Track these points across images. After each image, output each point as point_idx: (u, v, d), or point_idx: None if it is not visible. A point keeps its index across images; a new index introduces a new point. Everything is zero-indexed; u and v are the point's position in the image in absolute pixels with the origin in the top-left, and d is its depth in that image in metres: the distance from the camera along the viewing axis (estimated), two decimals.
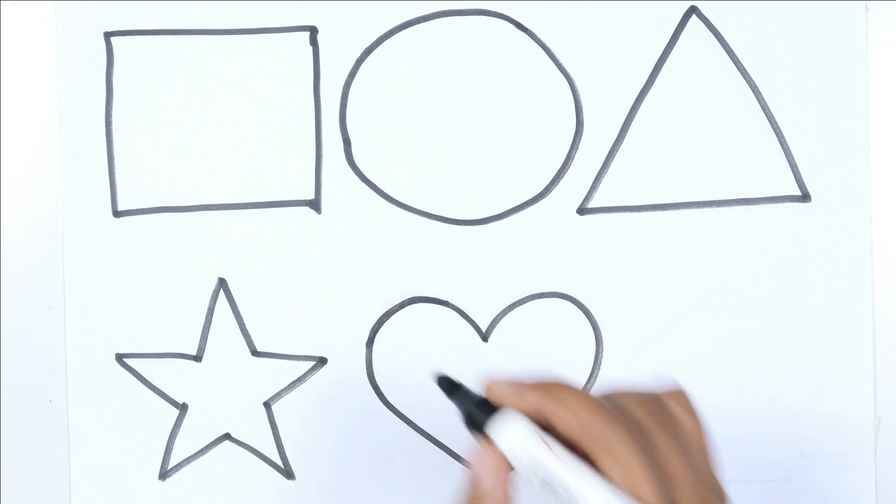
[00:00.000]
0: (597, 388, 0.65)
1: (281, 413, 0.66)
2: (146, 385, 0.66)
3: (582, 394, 0.46)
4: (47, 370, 0.66)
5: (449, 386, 0.48)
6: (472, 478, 0.46)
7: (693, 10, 0.64)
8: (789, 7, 0.63)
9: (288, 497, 0.66)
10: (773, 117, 0.64)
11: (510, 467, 0.45)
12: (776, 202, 0.64)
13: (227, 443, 0.66)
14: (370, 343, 0.65)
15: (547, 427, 0.45)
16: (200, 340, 0.66)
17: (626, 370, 0.64)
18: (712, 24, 0.64)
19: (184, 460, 0.66)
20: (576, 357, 0.65)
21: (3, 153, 0.66)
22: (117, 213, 0.66)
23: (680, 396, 0.49)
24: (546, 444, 0.44)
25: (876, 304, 0.64)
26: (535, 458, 0.44)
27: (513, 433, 0.45)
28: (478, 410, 0.46)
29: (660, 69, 0.64)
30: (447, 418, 0.65)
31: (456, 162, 0.65)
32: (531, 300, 0.65)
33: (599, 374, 0.64)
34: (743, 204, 0.64)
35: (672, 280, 0.64)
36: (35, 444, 0.66)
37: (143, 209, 0.66)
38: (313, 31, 0.65)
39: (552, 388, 0.46)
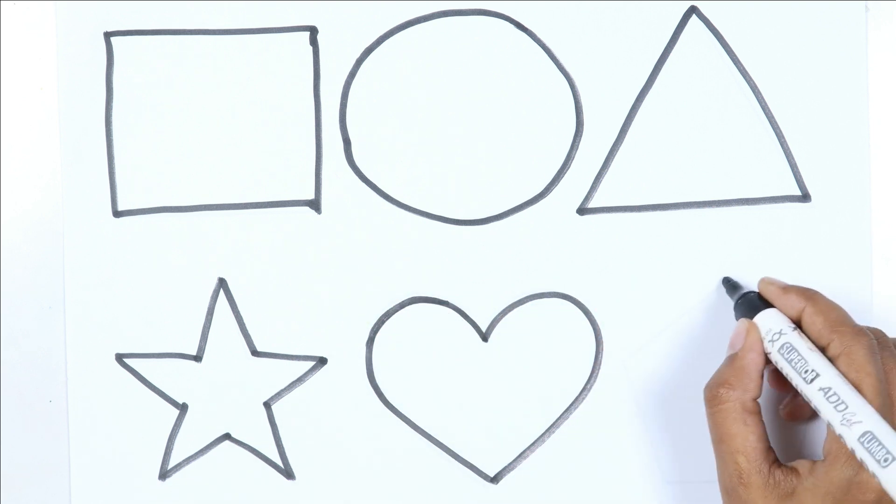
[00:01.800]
0: (596, 388, 0.65)
1: (281, 413, 0.66)
2: (146, 385, 0.66)
3: (836, 304, 0.57)
4: (47, 370, 0.66)
5: (730, 285, 0.62)
6: (733, 341, 0.58)
7: (693, 10, 0.64)
8: (789, 7, 0.63)
9: (288, 497, 0.66)
10: (773, 117, 0.64)
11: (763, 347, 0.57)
12: (776, 202, 0.64)
13: (227, 443, 0.66)
14: (370, 343, 0.65)
15: (799, 327, 0.57)
16: (200, 340, 0.66)
17: (626, 370, 0.64)
18: (712, 24, 0.64)
19: (184, 460, 0.66)
20: (576, 357, 0.65)
21: (3, 153, 0.66)
22: (117, 213, 0.66)
23: None
24: (796, 329, 0.56)
25: (876, 304, 0.64)
26: (783, 330, 0.56)
27: (770, 314, 0.57)
28: (749, 304, 0.59)
29: (660, 69, 0.64)
30: (447, 418, 0.65)
31: (456, 162, 0.65)
32: (531, 300, 0.65)
33: (599, 374, 0.64)
34: (743, 204, 0.64)
35: (672, 280, 0.64)
36: (35, 444, 0.66)
37: (143, 209, 0.66)
38: (313, 31, 0.65)
39: (813, 293, 0.58)
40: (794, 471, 0.55)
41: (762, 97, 0.64)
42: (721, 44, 0.64)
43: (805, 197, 0.64)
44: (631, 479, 0.64)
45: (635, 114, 0.64)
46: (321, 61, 0.65)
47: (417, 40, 0.65)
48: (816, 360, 0.55)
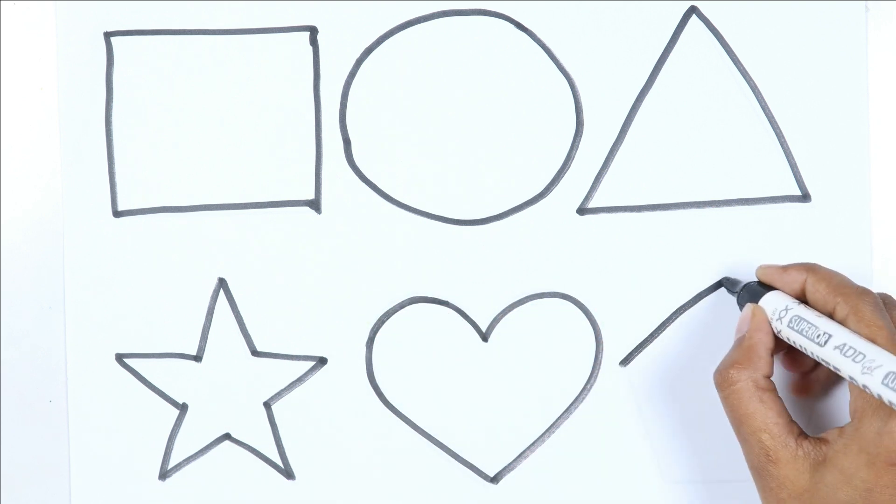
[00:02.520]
0: (596, 388, 0.65)
1: (281, 413, 0.66)
2: (146, 385, 0.66)
3: (836, 271, 0.57)
4: (47, 370, 0.66)
5: (730, 282, 0.63)
6: (740, 326, 0.59)
7: (693, 10, 0.64)
8: (789, 7, 0.63)
9: (288, 497, 0.66)
10: (773, 117, 0.64)
11: (770, 327, 0.58)
12: (776, 202, 0.64)
13: (227, 443, 0.66)
14: (370, 343, 0.65)
15: (804, 302, 0.57)
16: (200, 340, 0.66)
17: (626, 370, 0.64)
18: (712, 24, 0.64)
19: (184, 460, 0.66)
20: (576, 357, 0.65)
21: (3, 153, 0.66)
22: (117, 213, 0.66)
23: None
24: (799, 301, 0.57)
25: None
26: (788, 306, 0.57)
27: (773, 295, 0.58)
28: (751, 292, 0.60)
29: (660, 69, 0.64)
30: (447, 418, 0.65)
31: (456, 162, 0.65)
32: (531, 300, 0.65)
33: (599, 374, 0.64)
34: (743, 204, 0.64)
35: (672, 280, 0.64)
36: (35, 444, 0.66)
37: (143, 209, 0.66)
38: (313, 31, 0.65)
39: (812, 265, 0.58)
40: (823, 440, 0.55)
41: (762, 97, 0.64)
42: (721, 44, 0.64)
43: (805, 197, 0.64)
44: (631, 478, 0.64)
45: (635, 114, 0.64)
46: (321, 61, 0.65)
47: (417, 40, 0.65)
48: (827, 324, 0.55)
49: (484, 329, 0.65)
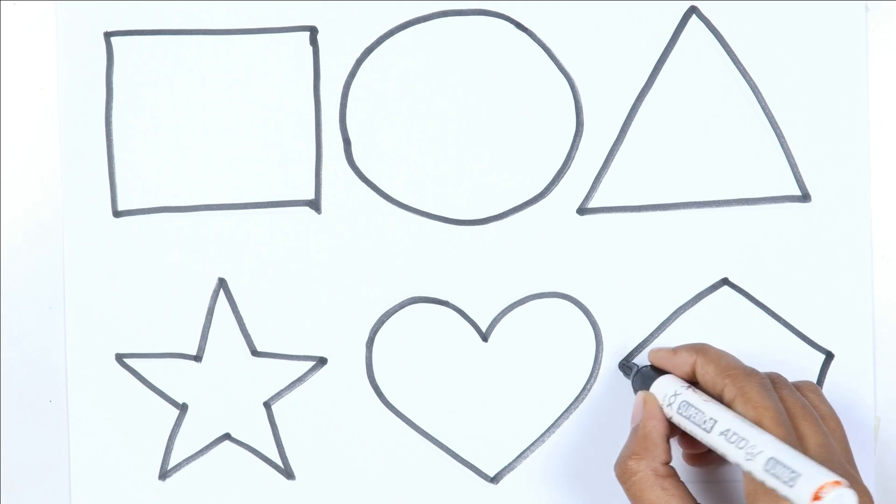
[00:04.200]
0: (596, 388, 0.65)
1: (281, 413, 0.66)
2: (146, 385, 0.66)
3: (725, 352, 0.59)
4: (47, 370, 0.66)
5: (625, 368, 0.63)
6: (634, 415, 0.59)
7: (693, 10, 0.64)
8: (789, 7, 0.63)
9: (288, 497, 0.66)
10: (773, 117, 0.64)
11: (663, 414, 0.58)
12: (776, 202, 0.64)
13: (227, 443, 0.66)
14: (370, 343, 0.65)
15: (695, 384, 0.58)
16: (200, 340, 0.66)
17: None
18: (712, 24, 0.64)
19: (184, 460, 0.66)
20: (576, 357, 0.65)
21: (3, 153, 0.66)
22: (117, 213, 0.66)
23: (814, 387, 0.59)
24: (689, 386, 0.57)
25: (876, 304, 0.64)
26: (677, 391, 0.57)
27: (663, 380, 0.58)
28: (643, 377, 0.60)
29: (660, 69, 0.64)
30: (447, 418, 0.65)
31: (456, 162, 0.65)
32: (531, 300, 0.65)
33: (599, 374, 0.64)
34: (743, 204, 0.64)
35: (672, 280, 0.64)
36: (35, 444, 0.66)
37: (143, 209, 0.66)
38: (313, 31, 0.65)
39: (701, 346, 0.59)
40: None
41: (762, 97, 0.64)
42: (721, 44, 0.64)
43: (805, 197, 0.64)
44: None
45: (635, 114, 0.64)
46: (321, 61, 0.65)
47: (417, 40, 0.65)
48: (713, 409, 0.55)
49: (484, 329, 0.65)
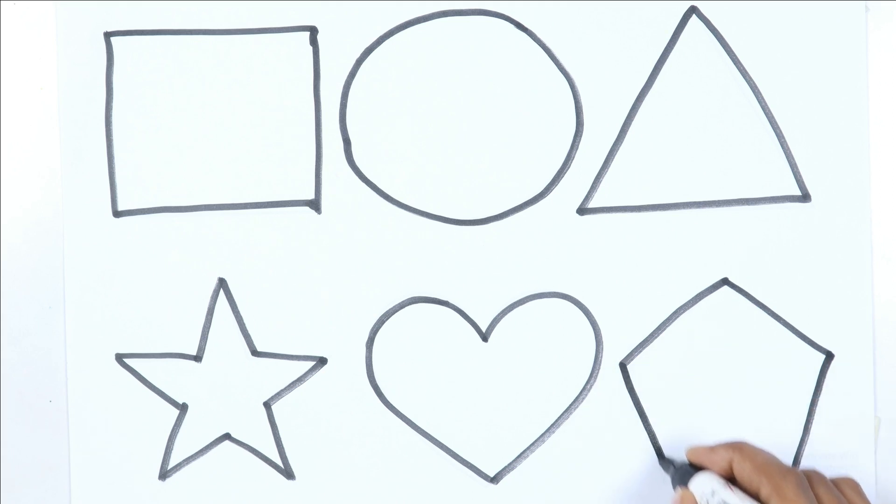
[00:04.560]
0: (596, 388, 0.65)
1: (281, 413, 0.66)
2: (146, 385, 0.66)
3: (762, 449, 0.60)
4: (47, 370, 0.66)
5: (665, 464, 0.63)
6: None
7: (693, 10, 0.64)
8: (789, 7, 0.63)
9: (288, 497, 0.66)
10: (773, 117, 0.64)
11: None
12: (776, 202, 0.64)
13: (227, 443, 0.66)
14: (370, 343, 0.65)
15: (732, 481, 0.59)
16: (200, 340, 0.66)
17: (626, 370, 0.64)
18: (712, 24, 0.64)
19: (184, 460, 0.66)
20: (576, 357, 0.65)
21: (3, 153, 0.66)
22: (117, 213, 0.66)
23: (853, 483, 0.60)
24: (727, 485, 0.58)
25: (876, 304, 0.64)
26: (714, 489, 0.58)
27: (701, 478, 0.59)
28: (683, 473, 0.61)
29: (660, 69, 0.64)
30: (447, 418, 0.65)
31: (456, 162, 0.65)
32: (531, 300, 0.65)
33: (599, 374, 0.64)
34: (743, 204, 0.64)
35: (672, 280, 0.64)
36: (35, 444, 0.66)
37: (143, 209, 0.66)
38: (313, 31, 0.65)
39: (739, 443, 0.60)
40: None
41: (762, 97, 0.64)
42: (721, 44, 0.64)
43: (805, 197, 0.64)
44: (631, 478, 0.64)
45: (635, 114, 0.64)
46: (321, 61, 0.65)
47: (417, 40, 0.65)
48: None
49: (484, 329, 0.65)
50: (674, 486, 0.61)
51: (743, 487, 0.58)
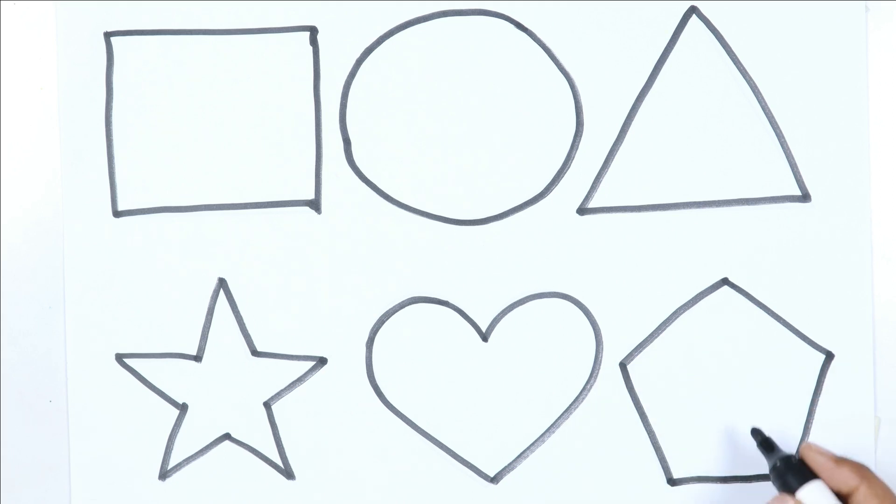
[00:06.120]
0: (596, 388, 0.65)
1: (281, 413, 0.66)
2: (146, 385, 0.66)
3: (887, 486, 0.56)
4: (47, 370, 0.66)
5: (762, 440, 0.60)
6: None
7: (693, 10, 0.64)
8: (789, 7, 0.63)
9: (288, 497, 0.66)
10: (773, 117, 0.64)
11: None
12: (776, 202, 0.64)
13: (227, 443, 0.66)
14: (370, 343, 0.65)
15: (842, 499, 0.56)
16: (200, 340, 0.66)
17: (626, 370, 0.64)
18: (712, 24, 0.64)
19: (184, 460, 0.66)
20: (576, 357, 0.65)
21: (3, 153, 0.66)
22: (117, 213, 0.66)
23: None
24: None
25: (876, 304, 0.64)
26: None
27: (815, 490, 0.56)
28: (791, 472, 0.57)
29: (660, 69, 0.64)
30: (447, 418, 0.65)
31: (456, 162, 0.65)
32: (531, 300, 0.65)
33: (599, 374, 0.64)
34: (743, 204, 0.64)
35: (672, 280, 0.64)
36: (35, 444, 0.66)
37: (143, 209, 0.66)
38: (313, 31, 0.65)
39: (867, 471, 0.57)
40: None
41: (762, 97, 0.64)
42: (721, 44, 0.64)
43: (805, 197, 0.64)
44: (630, 478, 0.64)
45: (635, 114, 0.64)
46: (321, 61, 0.65)
47: (417, 40, 0.65)
48: None
49: (484, 329, 0.65)
50: (773, 479, 0.58)
51: None
